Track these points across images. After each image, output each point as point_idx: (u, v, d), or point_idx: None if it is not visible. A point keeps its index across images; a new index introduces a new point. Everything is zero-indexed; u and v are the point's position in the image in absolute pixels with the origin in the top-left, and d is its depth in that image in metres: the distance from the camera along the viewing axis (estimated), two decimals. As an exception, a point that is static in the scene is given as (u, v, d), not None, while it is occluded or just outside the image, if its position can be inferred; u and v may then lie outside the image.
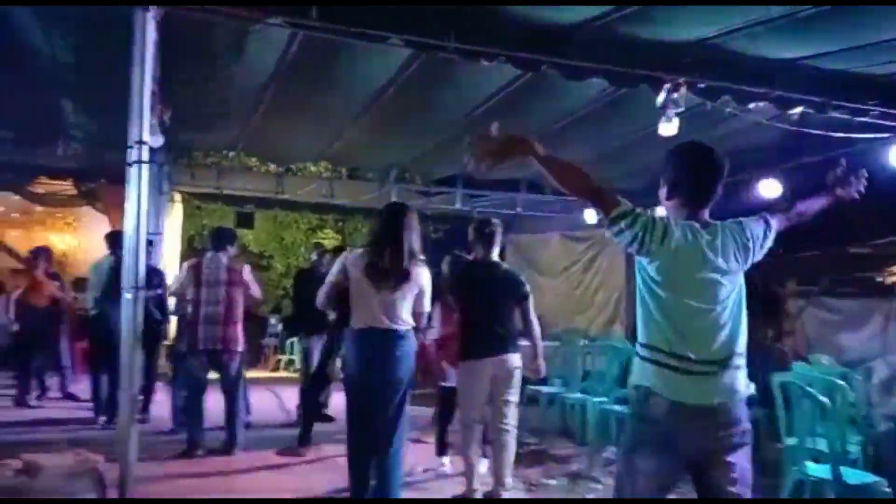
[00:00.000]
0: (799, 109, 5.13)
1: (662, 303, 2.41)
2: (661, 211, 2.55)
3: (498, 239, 4.72)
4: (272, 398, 8.66)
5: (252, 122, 6.72)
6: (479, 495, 4.52)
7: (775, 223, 2.61)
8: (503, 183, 9.18)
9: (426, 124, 6.61)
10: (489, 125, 2.42)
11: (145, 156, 3.68)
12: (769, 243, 2.57)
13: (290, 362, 11.65)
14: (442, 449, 5.46)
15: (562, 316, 10.14)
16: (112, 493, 3.60)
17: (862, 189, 2.74)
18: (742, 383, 2.41)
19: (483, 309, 4.61)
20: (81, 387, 7.78)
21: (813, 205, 2.77)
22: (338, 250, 6.52)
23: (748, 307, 2.44)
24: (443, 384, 5.43)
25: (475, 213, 9.81)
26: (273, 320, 12.83)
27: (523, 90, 5.38)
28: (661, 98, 4.77)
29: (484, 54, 4.39)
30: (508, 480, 4.59)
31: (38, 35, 4.68)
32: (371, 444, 4.09)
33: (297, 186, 9.93)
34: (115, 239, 6.75)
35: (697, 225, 2.44)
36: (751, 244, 2.49)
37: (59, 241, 12.42)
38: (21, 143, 7.77)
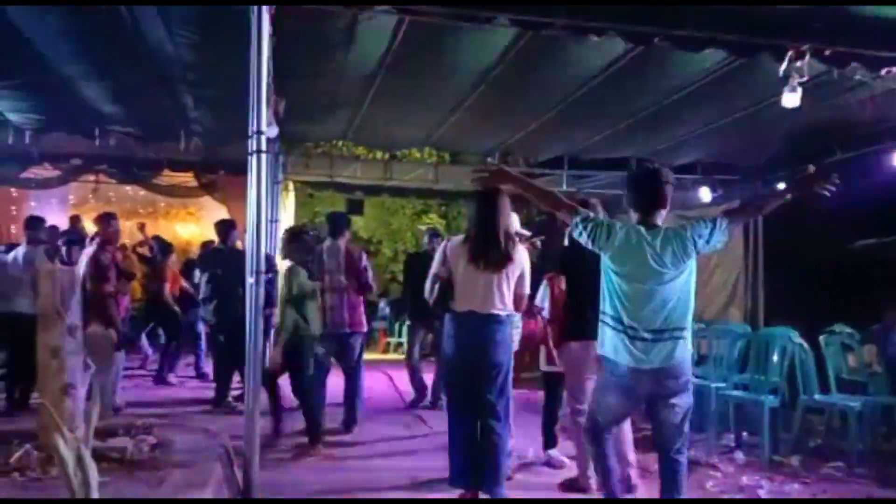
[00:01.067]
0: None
1: (616, 285, 3.36)
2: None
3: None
4: (384, 379, 8.89)
5: (361, 111, 6.86)
6: (593, 482, 4.44)
7: (726, 221, 3.37)
8: (611, 162, 8.93)
9: (530, 104, 6.53)
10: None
11: (263, 145, 3.83)
12: (718, 236, 3.33)
13: (399, 345, 11.90)
14: (550, 437, 5.29)
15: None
16: (238, 471, 3.80)
17: (827, 192, 3.31)
18: (684, 349, 3.37)
19: (591, 287, 4.50)
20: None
21: (771, 201, 3.54)
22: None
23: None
24: (546, 369, 5.24)
25: (581, 194, 9.64)
26: (382, 303, 13.12)
27: (632, 65, 5.20)
28: (783, 68, 4.49)
29: (593, 29, 4.27)
30: (632, 458, 4.40)
31: (162, 36, 4.94)
32: (471, 428, 4.14)
33: (404, 172, 10.08)
34: (224, 227, 7.00)
35: (643, 228, 3.35)
36: (690, 243, 3.31)
37: (183, 230, 13.18)
38: (147, 139, 8.23)
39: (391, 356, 11.64)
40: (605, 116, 6.85)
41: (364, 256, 6.25)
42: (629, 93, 5.95)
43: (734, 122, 6.62)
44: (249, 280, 3.84)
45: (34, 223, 6.74)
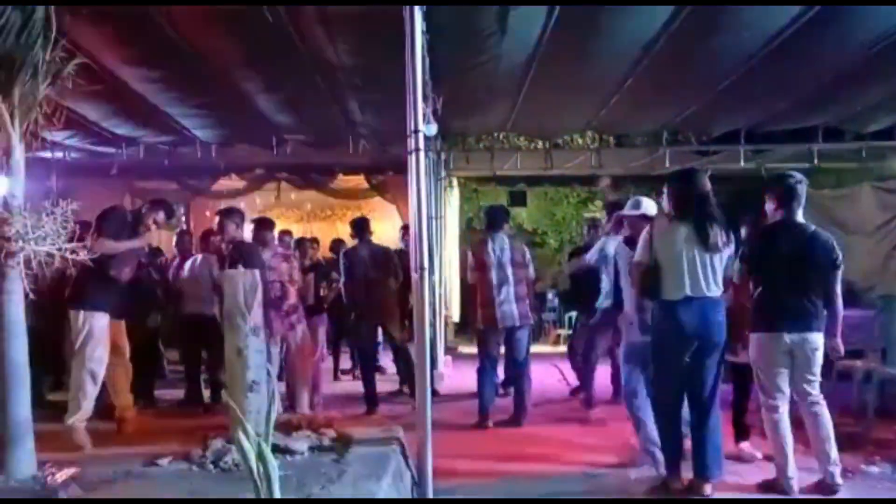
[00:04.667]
0: None
1: None
2: None
3: (802, 195, 4.21)
4: (555, 372, 8.77)
5: (519, 100, 6.78)
6: (795, 484, 4.10)
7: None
8: (794, 133, 8.17)
9: (698, 78, 6.09)
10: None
11: (421, 144, 3.88)
12: None
13: (569, 336, 11.69)
14: (740, 432, 5.01)
15: (879, 279, 8.84)
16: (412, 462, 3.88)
17: None
18: None
19: (783, 277, 4.14)
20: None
21: None
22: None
23: None
24: (733, 359, 4.97)
25: (764, 171, 8.93)
26: (550, 295, 12.98)
27: (810, 25, 4.69)
28: None
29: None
30: (835, 456, 4.08)
31: (326, 45, 5.14)
32: (688, 417, 4.16)
33: (565, 161, 9.87)
34: (361, 226, 7.08)
35: None
36: None
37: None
38: (320, 146, 8.69)
39: (562, 348, 11.48)
40: (784, 85, 6.24)
41: (527, 250, 6.23)
42: (810, 56, 5.37)
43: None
44: (414, 275, 3.92)
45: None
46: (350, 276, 6.73)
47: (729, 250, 4.15)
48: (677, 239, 4.08)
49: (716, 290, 4.09)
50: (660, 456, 4.41)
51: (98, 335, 4.87)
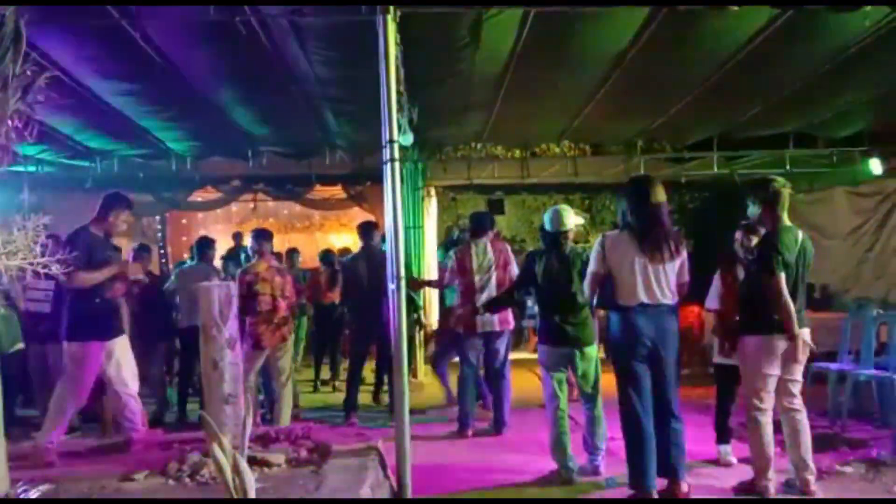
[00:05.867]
0: None
1: None
2: None
3: (787, 199, 4.27)
4: (533, 379, 8.77)
5: (494, 110, 6.82)
6: (773, 486, 4.15)
7: None
8: (766, 140, 8.30)
9: (672, 86, 6.18)
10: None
11: (397, 154, 3.88)
12: None
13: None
14: (722, 435, 5.05)
15: (854, 283, 8.98)
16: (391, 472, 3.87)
17: None
18: None
19: (787, 280, 4.19)
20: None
21: None
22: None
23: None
24: (718, 361, 5.06)
25: (736, 176, 9.05)
26: (530, 302, 12.99)
27: (780, 33, 4.79)
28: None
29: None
30: (812, 465, 4.16)
31: (300, 57, 5.15)
32: (652, 425, 4.12)
33: (542, 169, 9.93)
34: (366, 230, 6.95)
35: None
36: None
37: (337, 240, 13.77)
38: (296, 156, 8.68)
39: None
40: (755, 92, 6.36)
41: (507, 246, 6.26)
42: (781, 64, 5.48)
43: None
44: (391, 286, 3.92)
45: (205, 243, 7.25)
46: (350, 284, 6.70)
47: (680, 259, 4.16)
48: (629, 248, 4.12)
49: (669, 298, 4.12)
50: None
51: (118, 359, 4.76)
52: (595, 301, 4.54)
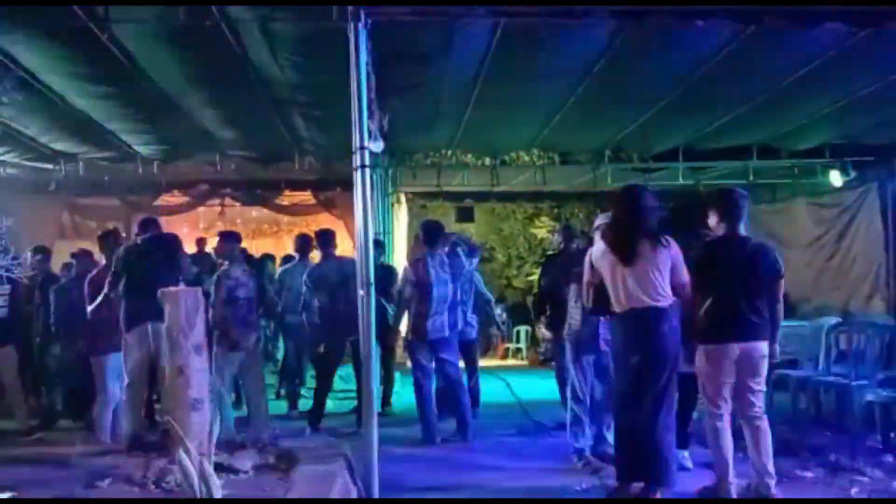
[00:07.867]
0: None
1: None
2: None
3: (744, 210, 4.33)
4: (503, 386, 8.81)
5: (465, 118, 6.86)
6: (734, 490, 4.22)
7: None
8: (731, 151, 8.47)
9: (639, 97, 6.28)
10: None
11: (367, 160, 3.90)
12: None
13: (518, 350, 11.81)
14: (682, 441, 5.05)
15: (814, 292, 9.18)
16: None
17: None
18: None
19: (730, 289, 4.26)
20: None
21: None
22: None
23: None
24: (679, 370, 5.11)
25: (701, 187, 9.22)
26: (498, 310, 13.05)
27: (744, 46, 4.90)
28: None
29: (699, 13, 4.06)
30: (772, 469, 4.22)
31: (270, 62, 5.13)
32: (645, 426, 4.15)
33: (511, 177, 10.01)
34: (328, 238, 6.88)
35: None
36: None
37: (306, 245, 13.67)
38: (264, 162, 8.62)
39: (510, 361, 11.58)
40: (719, 104, 6.49)
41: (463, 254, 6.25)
42: (744, 77, 5.60)
43: (862, 99, 6.07)
44: (361, 292, 3.92)
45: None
46: (318, 293, 6.64)
47: (668, 257, 4.16)
48: (610, 257, 4.19)
49: (661, 300, 4.12)
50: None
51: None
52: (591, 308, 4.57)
